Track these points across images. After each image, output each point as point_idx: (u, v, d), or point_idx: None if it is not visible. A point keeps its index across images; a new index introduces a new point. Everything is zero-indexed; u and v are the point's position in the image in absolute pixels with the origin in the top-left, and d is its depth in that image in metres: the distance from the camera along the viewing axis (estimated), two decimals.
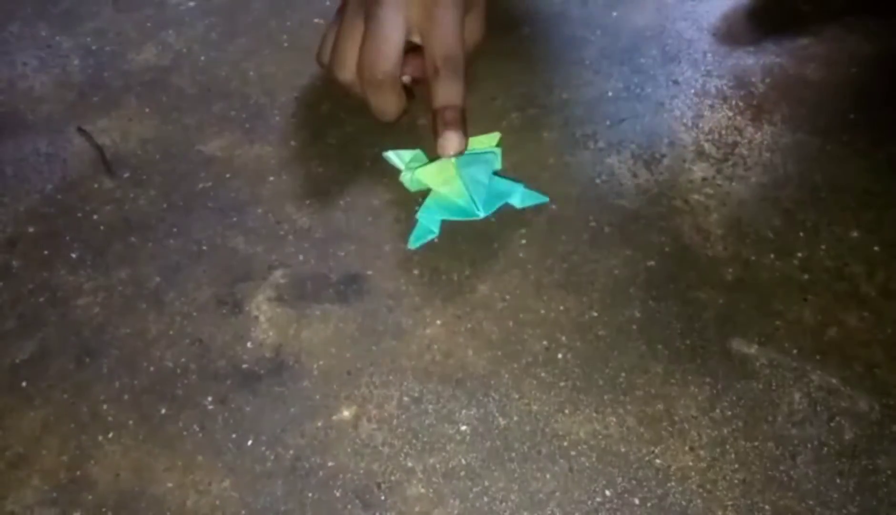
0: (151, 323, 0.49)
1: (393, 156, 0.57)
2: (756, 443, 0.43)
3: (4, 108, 0.63)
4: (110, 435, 0.44)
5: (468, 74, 0.52)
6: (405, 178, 0.56)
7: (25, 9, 0.72)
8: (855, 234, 0.52)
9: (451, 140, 0.51)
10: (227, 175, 0.58)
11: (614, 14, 0.69)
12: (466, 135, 0.52)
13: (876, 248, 0.51)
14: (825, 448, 0.42)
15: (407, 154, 0.57)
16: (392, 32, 0.48)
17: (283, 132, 0.61)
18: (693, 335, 0.47)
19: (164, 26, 0.70)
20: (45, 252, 0.53)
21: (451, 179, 0.53)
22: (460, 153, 0.52)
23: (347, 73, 0.54)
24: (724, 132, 0.59)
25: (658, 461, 0.42)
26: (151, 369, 0.47)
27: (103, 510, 0.41)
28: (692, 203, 0.54)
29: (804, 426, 0.43)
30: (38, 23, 0.70)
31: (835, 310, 0.48)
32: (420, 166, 0.55)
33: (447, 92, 0.51)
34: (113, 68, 0.66)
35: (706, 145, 0.58)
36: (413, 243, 0.52)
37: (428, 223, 0.53)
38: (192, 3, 0.72)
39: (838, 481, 0.41)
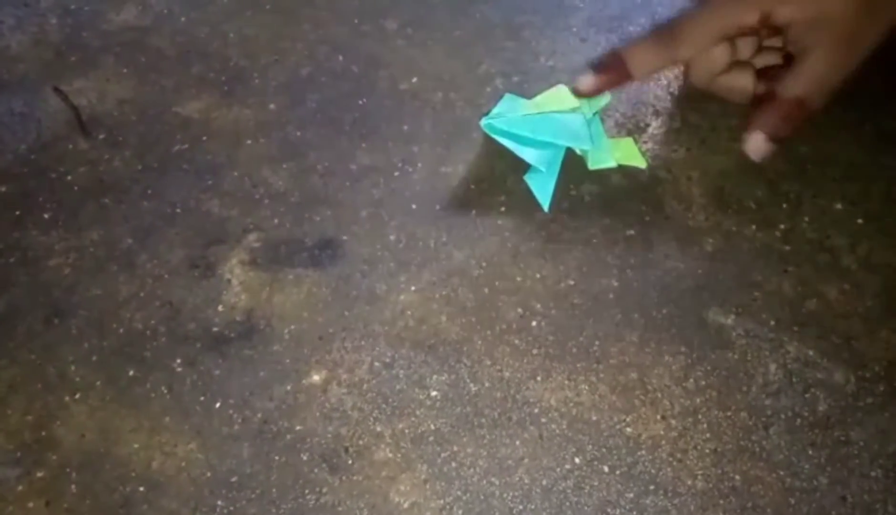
0: (122, 285, 0.49)
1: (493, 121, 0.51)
2: (729, 413, 0.42)
3: None
4: (77, 396, 0.44)
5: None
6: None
7: None
8: (839, 206, 0.51)
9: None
10: (204, 138, 0.57)
11: None
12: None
13: (860, 220, 0.50)
14: (798, 419, 0.42)
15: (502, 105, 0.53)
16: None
17: (261, 95, 0.60)
18: (670, 305, 0.47)
19: None
20: (17, 212, 0.52)
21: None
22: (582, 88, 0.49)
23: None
24: (709, 102, 0.58)
25: (629, 429, 0.42)
26: (121, 330, 0.46)
27: (67, 470, 0.41)
28: (675, 173, 0.53)
29: (778, 397, 0.43)
30: None
31: (815, 282, 0.47)
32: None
33: (636, 55, 0.46)
34: (91, 28, 0.65)
35: (692, 115, 0.57)
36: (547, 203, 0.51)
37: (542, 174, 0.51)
38: None
39: (810, 452, 0.41)
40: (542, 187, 0.51)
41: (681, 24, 0.43)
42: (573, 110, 0.51)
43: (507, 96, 0.53)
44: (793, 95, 0.42)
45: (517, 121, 0.50)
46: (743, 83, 0.49)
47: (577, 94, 0.49)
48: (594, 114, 0.52)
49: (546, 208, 0.50)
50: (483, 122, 0.50)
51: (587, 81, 0.47)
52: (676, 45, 0.43)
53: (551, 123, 0.51)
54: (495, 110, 0.52)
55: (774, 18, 0.40)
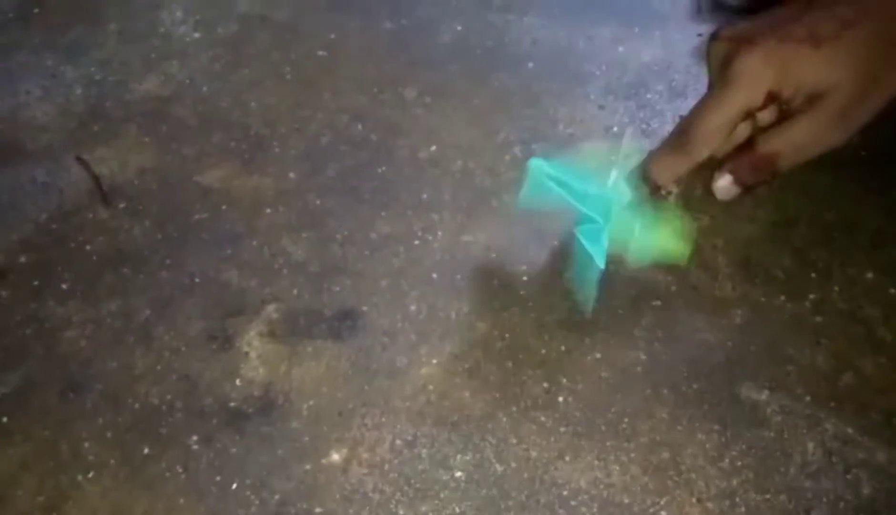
0: (139, 358, 0.48)
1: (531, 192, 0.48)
2: (767, 496, 0.40)
3: (4, 136, 0.63)
4: (90, 475, 0.42)
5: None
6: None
7: (33, 38, 0.72)
8: (870, 275, 0.50)
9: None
10: (224, 207, 0.57)
11: (620, 49, 0.68)
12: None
13: (892, 290, 0.49)
14: (841, 503, 0.40)
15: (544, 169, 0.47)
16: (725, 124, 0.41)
17: (282, 164, 0.60)
18: (700, 379, 0.45)
19: (167, 57, 0.69)
20: (36, 283, 0.52)
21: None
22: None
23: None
24: None
25: (663, 512, 0.40)
26: (136, 406, 0.45)
27: None
28: (699, 242, 0.52)
29: (819, 478, 0.41)
30: (44, 52, 0.70)
31: (850, 355, 0.46)
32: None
33: (658, 166, 0.44)
34: (115, 98, 0.66)
35: (719, 181, 0.56)
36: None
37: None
38: (196, 35, 0.71)
39: None
40: (596, 241, 0.45)
41: (692, 126, 0.40)
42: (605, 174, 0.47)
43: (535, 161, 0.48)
44: (766, 150, 0.42)
45: (567, 171, 0.47)
46: None
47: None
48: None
49: (602, 264, 0.44)
50: (532, 162, 0.46)
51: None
52: (693, 148, 0.42)
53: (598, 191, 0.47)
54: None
55: (780, 94, 0.40)
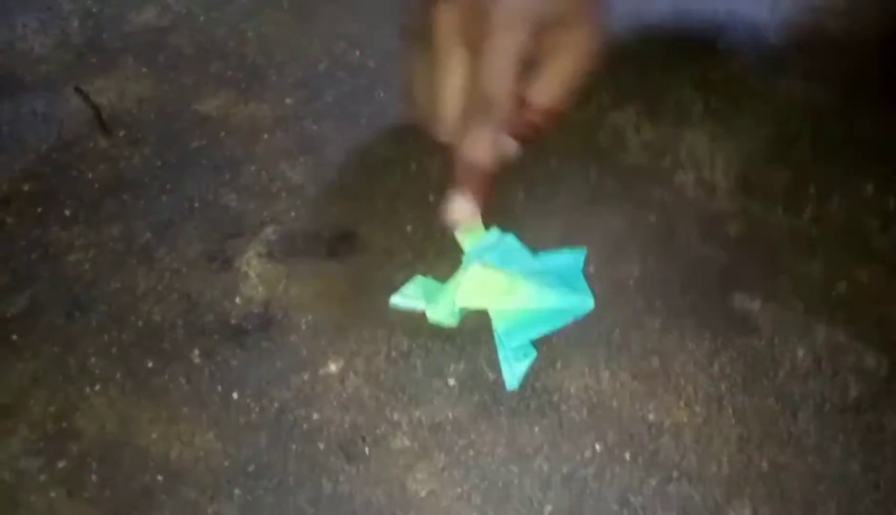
0: (141, 279, 0.49)
1: (402, 300, 0.45)
2: (755, 399, 0.41)
3: (3, 69, 0.63)
4: (97, 388, 0.44)
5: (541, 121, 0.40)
6: (436, 314, 0.44)
7: None
8: (869, 188, 0.50)
9: (454, 209, 0.42)
10: (222, 134, 0.57)
11: None
12: (483, 201, 0.42)
13: (892, 202, 0.49)
14: (828, 405, 0.40)
15: (410, 287, 0.45)
16: (506, 72, 0.36)
17: (279, 91, 0.60)
18: (693, 291, 0.45)
19: None
20: (39, 210, 0.53)
21: (514, 287, 0.42)
22: (465, 224, 0.43)
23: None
24: (733, 86, 0.57)
25: (651, 416, 0.41)
26: (139, 323, 0.47)
27: (88, 460, 0.41)
28: (698, 158, 0.52)
29: (807, 382, 0.41)
30: None
31: (845, 264, 0.46)
32: (442, 292, 0.44)
33: (468, 147, 0.40)
34: (112, 29, 0.66)
35: (713, 100, 0.56)
36: (515, 384, 0.42)
37: (518, 351, 0.42)
38: None
39: (841, 438, 0.39)
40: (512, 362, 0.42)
41: (485, 95, 0.37)
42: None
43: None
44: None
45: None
46: None
47: (457, 224, 0.43)
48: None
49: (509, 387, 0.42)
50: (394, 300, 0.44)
51: (463, 210, 0.42)
52: (493, 113, 0.37)
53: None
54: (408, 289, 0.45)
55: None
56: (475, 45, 0.35)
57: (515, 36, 0.34)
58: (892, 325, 0.43)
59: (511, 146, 0.42)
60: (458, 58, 0.38)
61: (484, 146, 0.40)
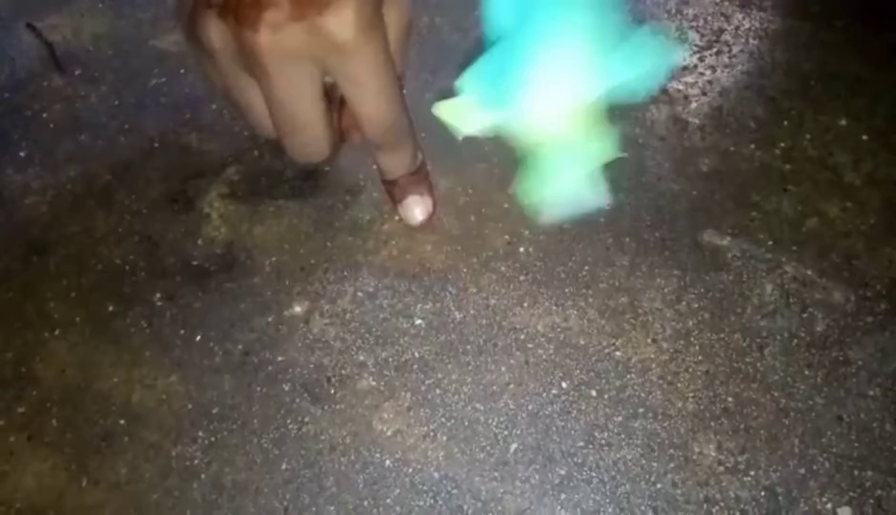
0: (100, 221, 0.47)
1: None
2: (722, 335, 0.41)
3: None
4: (56, 332, 0.43)
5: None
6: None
7: None
8: (843, 122, 0.49)
9: (415, 207, 0.43)
10: (182, 71, 0.55)
11: None
12: (431, 194, 0.44)
13: (864, 136, 0.48)
14: (795, 340, 0.40)
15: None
16: (300, 99, 0.29)
17: None
18: (663, 227, 0.45)
19: None
20: None
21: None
22: (429, 217, 0.44)
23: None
24: (709, 18, 0.55)
25: (618, 353, 0.40)
26: (99, 267, 0.45)
27: (48, 405, 0.40)
28: (671, 93, 0.51)
29: (774, 318, 0.41)
30: None
31: (816, 200, 0.45)
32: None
33: (395, 164, 0.40)
34: None
35: (690, 32, 0.54)
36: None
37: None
38: None
39: (806, 372, 0.39)
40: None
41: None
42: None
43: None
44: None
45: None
46: None
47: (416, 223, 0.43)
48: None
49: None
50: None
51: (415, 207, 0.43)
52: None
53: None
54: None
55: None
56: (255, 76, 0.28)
57: (290, 73, 0.28)
58: (860, 260, 0.42)
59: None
60: (245, 81, 0.31)
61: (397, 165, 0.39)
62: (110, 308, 0.43)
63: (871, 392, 0.38)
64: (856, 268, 0.42)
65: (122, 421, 0.39)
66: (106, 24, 0.58)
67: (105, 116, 0.52)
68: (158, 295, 0.44)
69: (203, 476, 0.38)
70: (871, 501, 0.35)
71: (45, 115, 0.53)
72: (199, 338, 0.42)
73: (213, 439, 0.39)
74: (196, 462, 0.38)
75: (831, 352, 0.40)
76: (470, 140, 0.49)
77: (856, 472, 0.36)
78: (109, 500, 0.37)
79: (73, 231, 0.47)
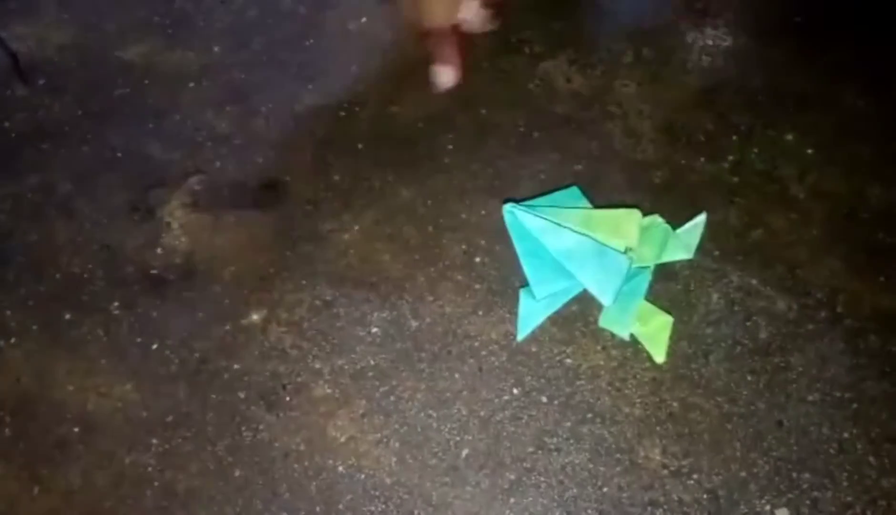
0: (60, 230, 0.48)
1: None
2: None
3: None
4: (12, 341, 0.43)
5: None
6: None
7: None
8: (789, 137, 0.51)
9: (438, 75, 0.46)
10: (146, 82, 0.56)
11: None
12: (457, 64, 0.46)
13: (809, 150, 0.50)
14: (739, 347, 0.42)
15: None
16: None
17: (206, 38, 0.58)
18: None
19: None
20: None
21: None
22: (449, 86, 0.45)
23: None
24: (663, 37, 0.57)
25: (569, 360, 0.41)
26: (58, 275, 0.46)
27: (1, 413, 0.40)
28: (625, 108, 0.52)
29: (719, 326, 0.42)
30: None
31: (761, 212, 0.47)
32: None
33: (432, 7, 0.43)
34: None
35: (644, 50, 0.56)
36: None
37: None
38: None
39: (749, 378, 0.41)
40: (529, 316, 0.41)
41: None
42: (626, 247, 0.41)
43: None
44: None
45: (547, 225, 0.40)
46: None
47: (441, 88, 0.46)
48: (645, 267, 0.42)
49: (519, 338, 0.41)
50: (506, 207, 0.42)
51: (446, 75, 0.47)
52: None
53: (587, 249, 0.40)
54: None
55: None
56: None
57: None
58: (803, 270, 0.44)
59: (475, 11, 0.45)
60: None
61: (442, 13, 0.43)
62: (67, 317, 0.44)
63: (811, 397, 0.40)
64: (798, 277, 0.44)
65: (76, 429, 0.40)
66: (71, 34, 0.58)
67: (68, 125, 0.53)
68: (116, 304, 0.44)
69: (156, 483, 0.38)
70: (808, 502, 0.36)
71: (6, 124, 0.53)
72: (155, 346, 0.42)
73: (167, 446, 0.39)
74: (150, 469, 0.38)
75: (773, 358, 0.41)
76: (431, 152, 0.50)
77: (794, 474, 0.37)
78: (62, 508, 0.37)
79: (32, 240, 0.47)
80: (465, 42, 0.44)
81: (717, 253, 0.45)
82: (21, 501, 0.38)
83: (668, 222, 0.44)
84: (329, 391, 0.41)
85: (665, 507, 0.37)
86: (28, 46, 0.58)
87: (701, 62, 0.55)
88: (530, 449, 0.39)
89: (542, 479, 0.38)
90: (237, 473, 0.38)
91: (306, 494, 0.38)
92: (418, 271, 0.45)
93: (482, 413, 0.40)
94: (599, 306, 0.43)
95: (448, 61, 0.46)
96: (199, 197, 0.49)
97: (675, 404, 0.40)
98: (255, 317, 0.44)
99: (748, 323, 0.43)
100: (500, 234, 0.46)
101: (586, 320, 0.43)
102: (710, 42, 0.56)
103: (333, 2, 0.59)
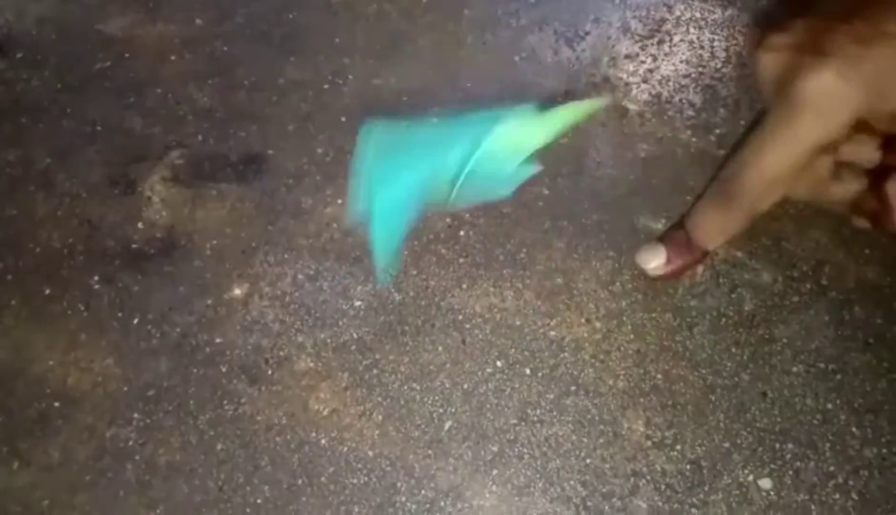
0: (39, 204, 0.47)
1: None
2: (654, 315, 0.42)
3: None
4: None
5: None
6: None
7: None
8: None
9: (645, 257, 0.40)
10: (127, 55, 0.55)
11: None
12: (677, 271, 0.40)
13: None
14: (723, 319, 0.41)
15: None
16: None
17: (188, 11, 0.57)
18: (600, 211, 0.46)
19: None
20: None
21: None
22: (656, 272, 0.40)
23: None
24: (652, 8, 0.56)
25: (553, 332, 0.41)
26: (37, 250, 0.45)
27: None
28: (612, 81, 0.52)
29: (704, 298, 0.42)
30: None
31: None
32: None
33: (703, 228, 0.38)
34: None
35: (633, 22, 0.55)
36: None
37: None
38: None
39: (733, 350, 0.40)
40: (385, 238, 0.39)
41: (742, 172, 0.33)
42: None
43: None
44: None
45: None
46: (855, 188, 0.35)
47: (652, 274, 0.40)
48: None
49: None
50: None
51: (655, 258, 0.40)
52: (744, 201, 0.34)
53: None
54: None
55: (873, 119, 0.29)
56: (782, 106, 0.29)
57: (821, 123, 0.28)
58: (789, 242, 0.43)
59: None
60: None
61: (711, 233, 0.38)
62: (47, 292, 0.43)
63: (795, 369, 0.40)
64: (784, 250, 0.44)
65: (56, 404, 0.39)
66: (51, 7, 0.57)
67: (47, 99, 0.52)
68: (96, 278, 0.44)
69: (137, 457, 0.38)
70: (791, 472, 0.36)
71: None
72: (136, 321, 0.42)
73: (148, 421, 0.39)
74: (130, 443, 0.38)
75: (758, 330, 0.41)
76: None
77: (777, 445, 0.37)
78: (41, 482, 0.37)
79: (10, 214, 0.46)
80: (695, 262, 0.41)
81: None
82: (0, 475, 0.38)
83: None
84: (311, 364, 0.41)
85: (648, 478, 0.37)
86: (5, 19, 0.57)
87: (689, 34, 0.55)
88: (513, 421, 0.39)
89: (526, 451, 0.38)
90: (219, 446, 0.38)
91: (288, 467, 0.38)
92: (402, 245, 0.45)
93: (465, 386, 0.40)
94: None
95: (678, 271, 0.41)
96: (179, 171, 0.48)
97: (658, 376, 0.40)
98: (237, 291, 0.43)
99: (733, 295, 0.42)
100: (485, 207, 0.46)
101: (570, 293, 0.43)
102: (699, 14, 0.56)
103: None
